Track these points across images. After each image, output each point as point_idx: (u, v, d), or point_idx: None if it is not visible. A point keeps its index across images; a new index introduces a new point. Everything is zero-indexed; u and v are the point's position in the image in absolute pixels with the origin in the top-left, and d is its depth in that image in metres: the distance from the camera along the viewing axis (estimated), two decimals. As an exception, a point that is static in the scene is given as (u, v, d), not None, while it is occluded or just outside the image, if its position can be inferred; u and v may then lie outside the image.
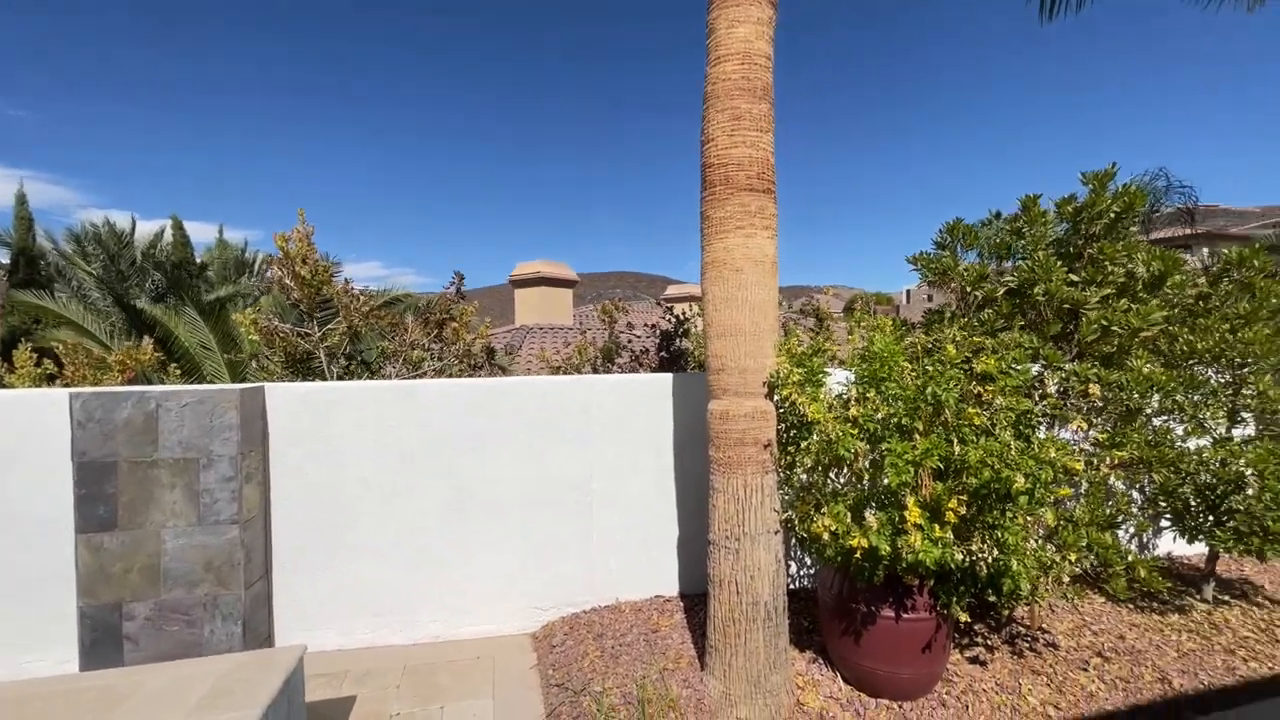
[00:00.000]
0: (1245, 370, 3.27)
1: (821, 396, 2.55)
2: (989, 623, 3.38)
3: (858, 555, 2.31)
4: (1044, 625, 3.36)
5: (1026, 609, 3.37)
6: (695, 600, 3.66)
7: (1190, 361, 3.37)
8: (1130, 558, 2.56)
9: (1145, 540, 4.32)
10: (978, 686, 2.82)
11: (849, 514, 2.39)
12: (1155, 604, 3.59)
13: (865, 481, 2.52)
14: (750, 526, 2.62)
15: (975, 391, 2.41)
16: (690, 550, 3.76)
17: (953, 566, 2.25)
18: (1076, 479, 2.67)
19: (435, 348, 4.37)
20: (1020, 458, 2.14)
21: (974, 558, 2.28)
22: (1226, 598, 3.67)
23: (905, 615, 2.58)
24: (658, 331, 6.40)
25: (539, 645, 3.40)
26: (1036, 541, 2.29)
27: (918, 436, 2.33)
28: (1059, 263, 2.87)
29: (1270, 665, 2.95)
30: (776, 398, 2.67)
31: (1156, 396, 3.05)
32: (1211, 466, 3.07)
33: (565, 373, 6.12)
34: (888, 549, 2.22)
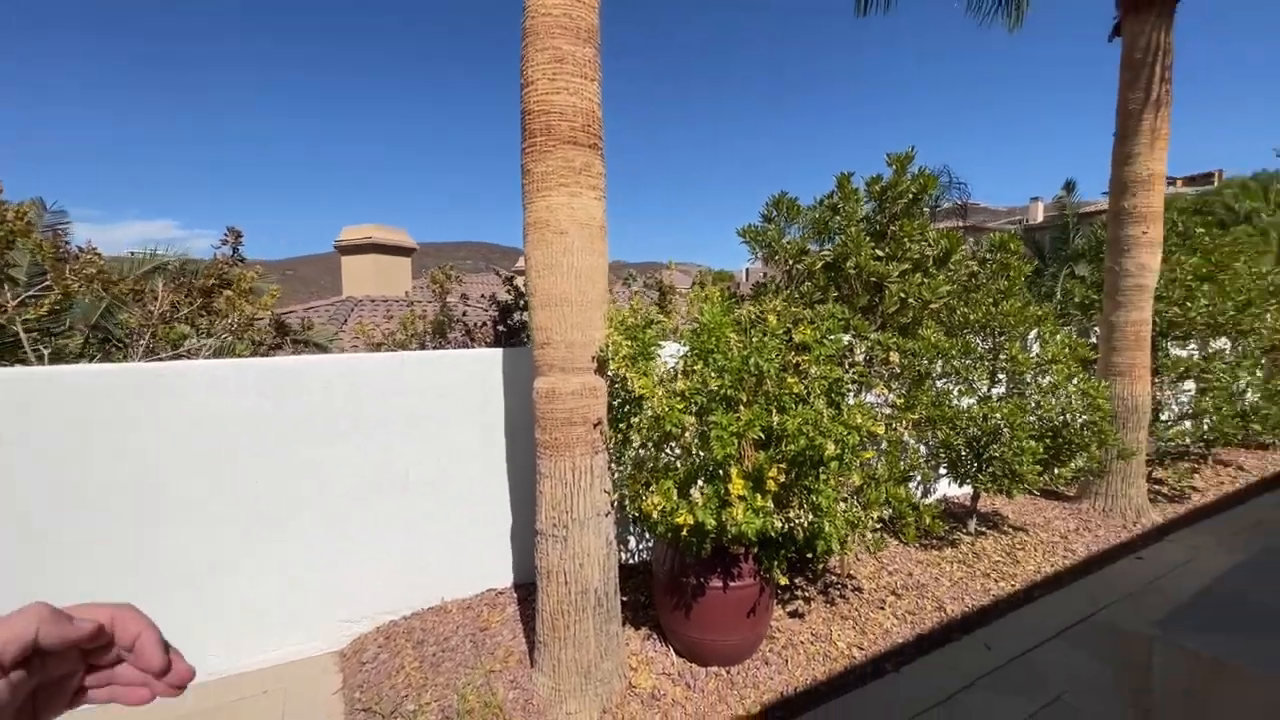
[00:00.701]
0: (1002, 338, 3.86)
1: (652, 371, 2.43)
2: (806, 575, 3.65)
3: (685, 532, 2.25)
4: (851, 572, 3.70)
5: (837, 559, 3.68)
6: (530, 589, 3.44)
7: (964, 331, 3.89)
8: (920, 508, 2.87)
9: (928, 487, 5.02)
10: (796, 639, 2.99)
11: (676, 490, 2.32)
12: (935, 541, 4.16)
13: (695, 455, 2.47)
14: (580, 511, 2.45)
15: (794, 361, 2.48)
16: (526, 537, 3.51)
17: (773, 534, 2.30)
18: (879, 441, 2.92)
19: (204, 321, 3.51)
20: (832, 425, 2.23)
21: (792, 524, 2.34)
22: (984, 529, 4.38)
23: (733, 584, 2.61)
24: (496, 304, 5.95)
25: (346, 664, 2.94)
26: (845, 502, 2.44)
27: (742, 408, 2.32)
28: (868, 239, 3.11)
29: (1012, 584, 3.56)
30: (610, 373, 2.50)
31: (940, 362, 3.47)
32: (978, 421, 3.58)
33: (389, 350, 5.43)
34: (713, 523, 2.19)
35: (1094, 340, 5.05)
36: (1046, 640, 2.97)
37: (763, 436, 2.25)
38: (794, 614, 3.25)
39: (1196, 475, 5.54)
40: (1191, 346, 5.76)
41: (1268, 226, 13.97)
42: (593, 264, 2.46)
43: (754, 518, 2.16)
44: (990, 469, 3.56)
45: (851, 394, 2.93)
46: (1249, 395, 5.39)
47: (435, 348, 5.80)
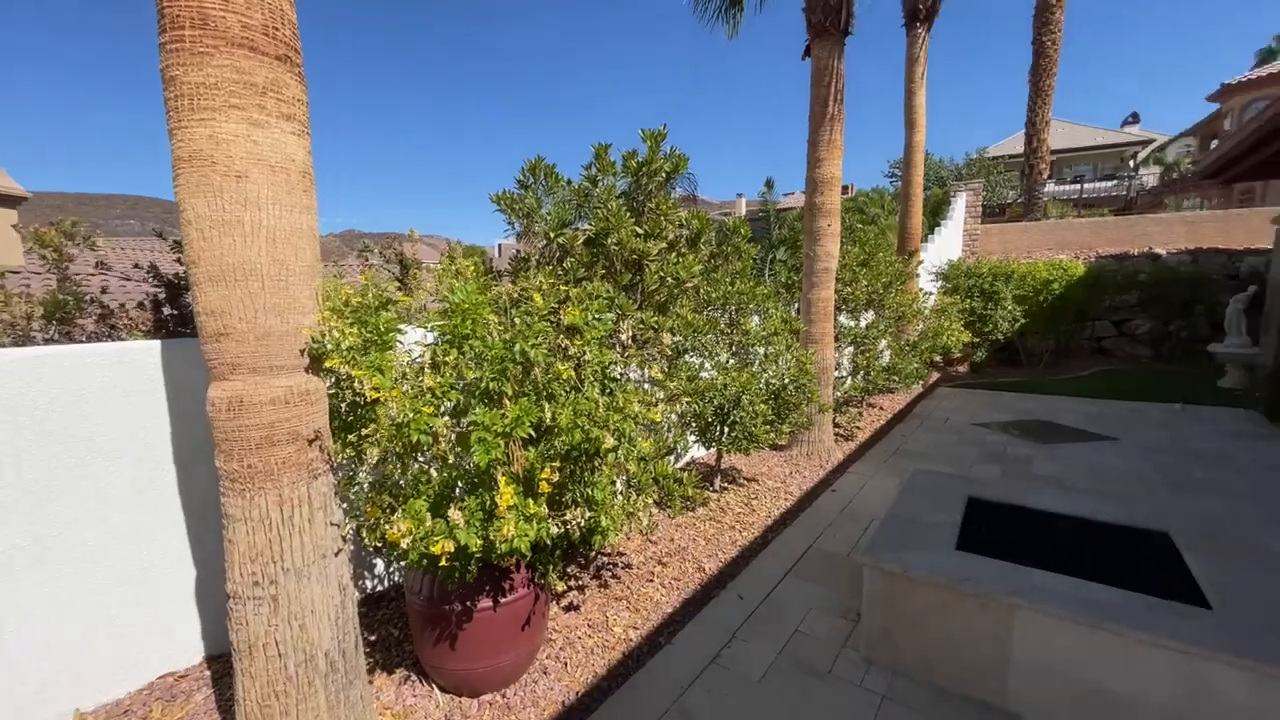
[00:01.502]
0: (738, 314, 4.30)
1: (390, 365, 1.92)
2: (579, 562, 3.56)
3: (444, 560, 1.86)
4: (621, 549, 3.74)
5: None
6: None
7: (709, 308, 4.22)
8: (683, 480, 2.98)
9: (680, 451, 5.44)
10: (574, 636, 2.85)
11: (430, 510, 1.90)
12: (702, 494, 4.51)
13: (452, 464, 2.07)
14: (295, 558, 1.83)
15: (563, 345, 2.26)
16: (219, 595, 2.63)
17: (548, 542, 2.07)
18: (652, 425, 2.94)
19: None
20: (608, 414, 2.08)
21: (569, 525, 2.14)
22: (727, 485, 4.92)
23: (505, 600, 2.31)
24: (160, 279, 4.37)
25: None
26: (620, 493, 2.35)
27: (508, 402, 2.00)
28: (629, 215, 3.08)
29: (752, 532, 4.04)
30: (330, 369, 1.90)
31: (692, 338, 3.69)
32: (722, 391, 3.93)
33: (-50, 345, 3.53)
34: (479, 543, 1.84)
35: (797, 314, 6.08)
36: (783, 578, 3.41)
37: (532, 433, 1.98)
38: (570, 607, 3.12)
39: (860, 417, 7.20)
40: (856, 317, 7.44)
41: (885, 228, 19.06)
42: (295, 223, 1.82)
43: (528, 528, 1.88)
44: (733, 433, 3.96)
45: (620, 377, 2.86)
46: (886, 355, 7.17)
47: (51, 341, 4.01)
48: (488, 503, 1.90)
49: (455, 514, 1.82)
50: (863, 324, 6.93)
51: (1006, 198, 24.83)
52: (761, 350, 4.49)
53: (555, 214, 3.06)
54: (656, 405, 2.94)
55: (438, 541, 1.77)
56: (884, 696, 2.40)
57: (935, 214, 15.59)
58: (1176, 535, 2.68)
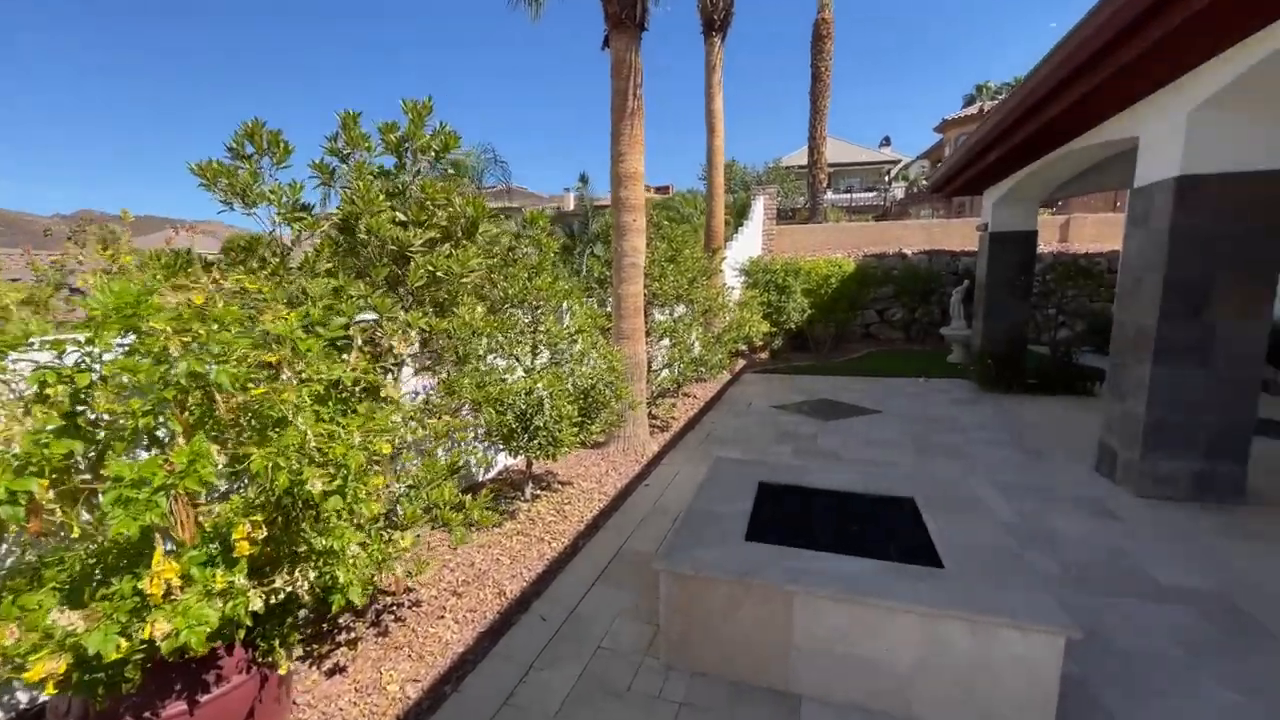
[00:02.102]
0: (539, 311, 4.03)
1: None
2: (352, 609, 3.00)
3: (54, 686, 1.28)
4: (409, 585, 3.26)
5: (392, 578, 3.16)
6: None
7: (506, 306, 3.88)
8: (466, 505, 2.62)
9: (490, 462, 5.03)
10: (334, 709, 2.35)
11: (68, 605, 1.30)
12: (497, 516, 4.15)
13: (75, 539, 1.47)
14: None
15: (271, 361, 1.75)
16: None
17: (259, 612, 1.58)
18: (411, 446, 2.51)
19: None
20: (330, 448, 1.64)
21: (294, 587, 1.67)
22: (540, 492, 4.65)
23: (207, 697, 1.75)
24: None
25: None
26: (368, 535, 1.92)
27: (180, 442, 1.47)
28: (384, 198, 2.58)
29: (562, 541, 3.82)
30: None
31: (484, 340, 3.33)
32: (523, 396, 3.63)
33: None
34: (122, 647, 1.30)
35: (610, 309, 6.02)
36: (590, 588, 3.24)
37: (215, 482, 1.48)
38: (335, 670, 2.58)
39: (675, 407, 7.45)
40: (668, 312, 7.68)
41: (697, 226, 20.37)
42: None
43: (207, 612, 1.39)
44: (537, 439, 3.69)
45: (359, 397, 2.37)
46: (697, 348, 7.51)
47: None
48: (131, 592, 1.36)
49: (69, 618, 1.25)
50: (674, 318, 7.15)
51: (798, 203, 28.33)
52: (569, 348, 4.29)
53: (283, 190, 2.44)
54: (436, 419, 2.55)
55: (39, 661, 1.20)
56: (681, 704, 2.34)
57: (741, 215, 16.97)
58: (919, 500, 3.05)
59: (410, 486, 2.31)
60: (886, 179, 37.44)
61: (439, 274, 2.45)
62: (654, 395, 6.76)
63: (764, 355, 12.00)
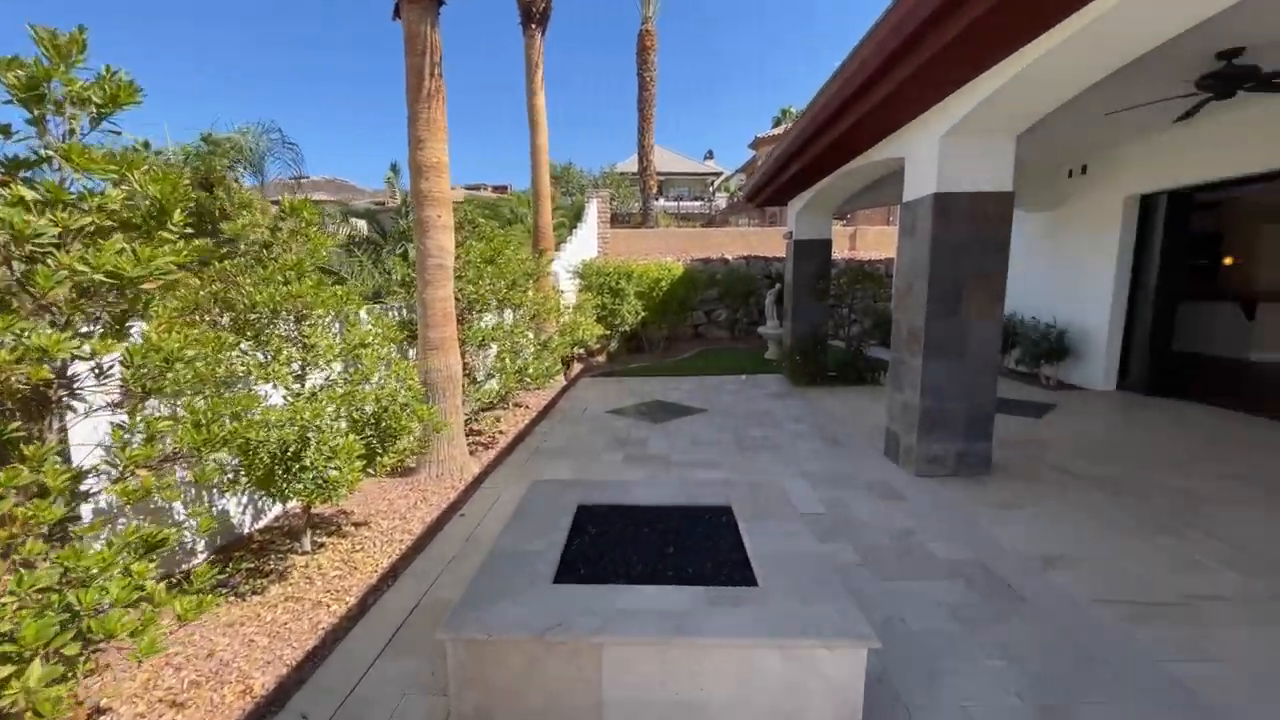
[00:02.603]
0: (306, 323, 3.28)
1: None
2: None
3: None
4: (104, 704, 2.36)
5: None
6: None
7: (254, 316, 3.08)
8: (156, 599, 1.88)
9: (259, 506, 4.06)
10: None
11: None
12: (262, 580, 3.30)
13: None
14: None
15: None
16: None
17: None
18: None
19: None
20: None
21: None
22: (325, 539, 3.84)
23: None
24: None
25: None
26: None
27: None
28: None
29: (346, 601, 3.14)
30: None
31: (200, 364, 2.52)
32: (280, 429, 2.88)
33: None
34: None
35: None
36: (375, 659, 2.65)
37: None
38: None
39: (502, 420, 6.91)
40: (492, 318, 7.09)
41: (530, 227, 19.80)
42: None
43: None
44: (296, 484, 2.96)
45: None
46: (526, 355, 7.05)
47: None
48: None
49: None
50: (497, 324, 6.61)
51: (633, 208, 29.18)
52: (349, 367, 3.58)
53: None
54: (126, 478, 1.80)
55: None
56: (476, 801, 1.92)
57: (578, 218, 16.80)
58: (736, 508, 2.99)
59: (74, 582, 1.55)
60: (711, 189, 40.40)
61: (97, 275, 1.71)
62: (476, 410, 6.16)
63: (601, 358, 11.91)
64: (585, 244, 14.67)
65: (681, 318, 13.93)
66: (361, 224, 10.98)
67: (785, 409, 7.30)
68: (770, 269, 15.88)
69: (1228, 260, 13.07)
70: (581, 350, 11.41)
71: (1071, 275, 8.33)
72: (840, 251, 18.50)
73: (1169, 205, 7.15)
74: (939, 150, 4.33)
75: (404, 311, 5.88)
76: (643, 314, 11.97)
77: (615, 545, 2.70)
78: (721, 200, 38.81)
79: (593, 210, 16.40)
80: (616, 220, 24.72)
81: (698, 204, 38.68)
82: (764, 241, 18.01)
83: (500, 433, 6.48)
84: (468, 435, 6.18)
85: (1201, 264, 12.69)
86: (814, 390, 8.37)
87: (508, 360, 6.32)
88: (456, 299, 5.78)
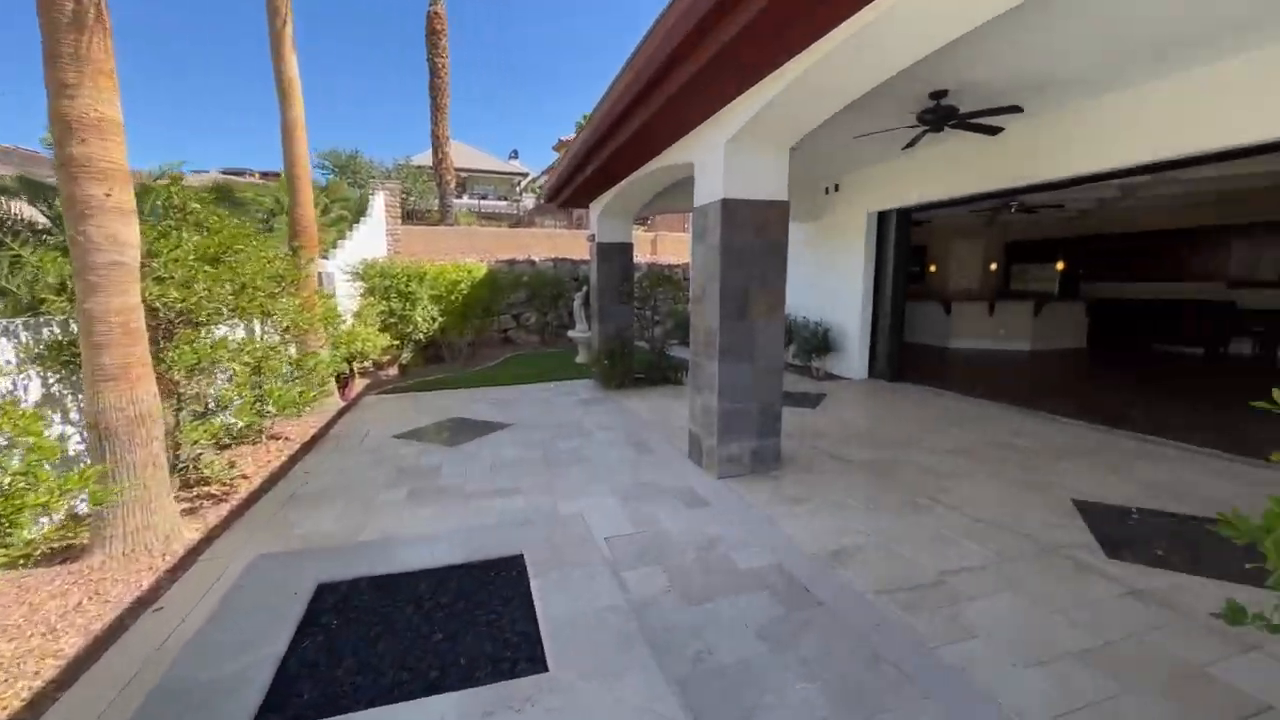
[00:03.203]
0: None
1: None
2: None
3: None
4: None
5: None
6: None
7: None
8: None
9: None
10: None
11: None
12: None
13: None
14: None
15: None
16: None
17: None
18: None
19: None
20: None
21: None
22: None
23: None
24: None
25: None
26: None
27: None
28: None
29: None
30: None
31: None
32: None
33: None
34: None
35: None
36: None
37: None
38: None
39: (248, 460, 5.46)
40: (228, 330, 5.54)
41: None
42: None
43: None
44: None
45: None
46: (279, 373, 5.66)
47: None
48: None
49: None
50: (224, 340, 5.17)
51: (433, 205, 26.85)
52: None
53: None
54: None
55: None
56: None
57: (363, 213, 14.77)
58: (529, 556, 2.52)
59: None
60: (519, 190, 39.32)
61: None
62: (184, 461, 4.72)
63: (392, 371, 10.47)
64: (370, 242, 12.89)
65: (486, 323, 13.04)
66: (25, 207, 7.98)
67: (595, 416, 7.05)
68: (579, 271, 15.76)
69: (931, 268, 16.53)
70: (369, 364, 9.88)
71: (832, 280, 9.55)
72: (643, 255, 19.20)
73: (897, 222, 8.56)
74: (724, 156, 4.38)
75: (68, 327, 4.21)
76: (440, 320, 10.83)
77: (362, 642, 2.03)
78: (530, 201, 38.05)
79: (379, 204, 14.55)
80: (414, 218, 22.49)
81: (504, 204, 37.34)
82: (573, 243, 17.88)
83: (243, 477, 5.08)
84: (193, 486, 4.75)
85: (915, 271, 15.84)
86: (623, 393, 8.30)
87: (244, 386, 4.96)
88: (157, 310, 4.33)
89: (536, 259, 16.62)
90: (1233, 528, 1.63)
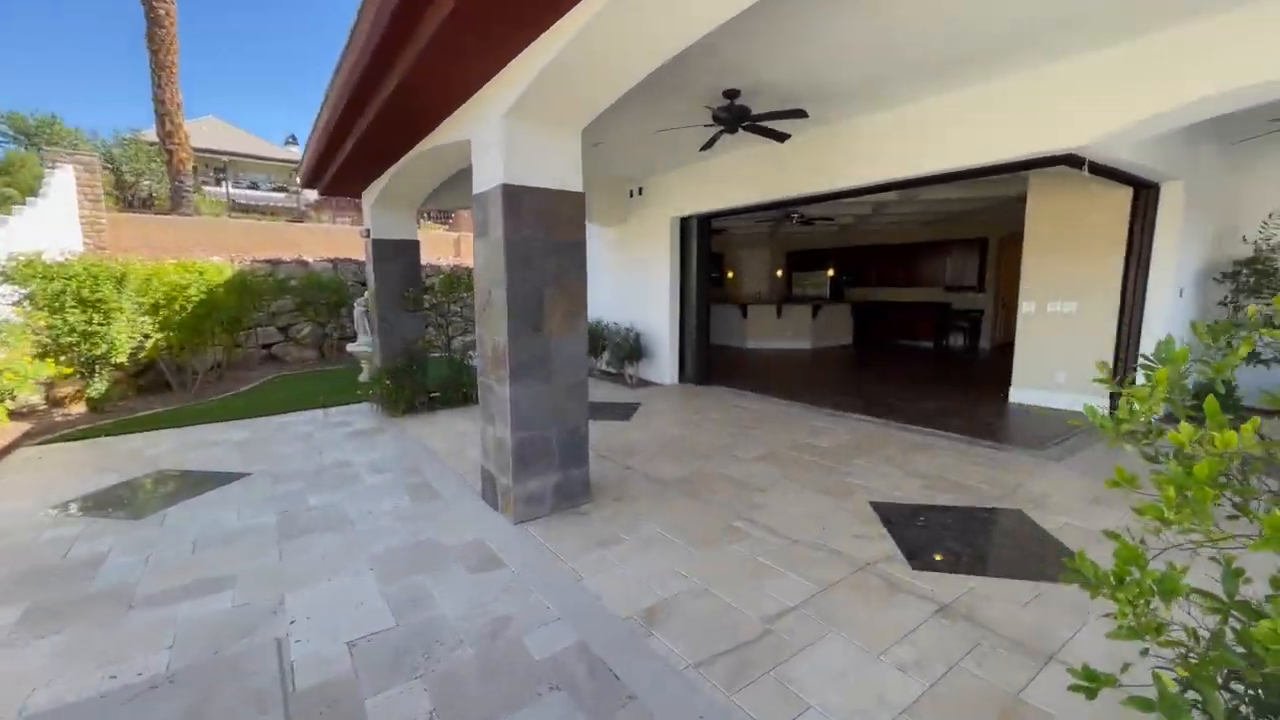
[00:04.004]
0: None
1: None
2: None
3: None
4: None
5: None
6: None
7: None
8: None
9: None
10: None
11: None
12: None
13: None
14: None
15: None
16: None
17: None
18: None
19: None
20: None
21: None
22: None
23: None
24: None
25: None
26: None
27: None
28: None
29: None
30: None
31: None
32: None
33: None
34: None
35: None
36: None
37: None
38: None
39: None
40: None
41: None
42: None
43: None
44: None
45: None
46: None
47: None
48: None
49: None
50: None
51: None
52: None
53: None
54: None
55: None
56: None
57: (31, 192, 10.87)
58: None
59: None
60: (298, 180, 33.64)
61: None
62: None
63: (78, 408, 7.61)
64: (46, 231, 9.37)
65: (233, 338, 10.41)
66: None
67: (370, 453, 5.72)
68: (364, 274, 13.62)
69: (730, 274, 17.73)
70: (34, 401, 7.00)
71: (641, 285, 9.36)
72: (447, 258, 17.47)
73: (698, 228, 8.65)
74: (504, 133, 3.59)
75: None
76: (156, 335, 8.22)
77: None
78: (313, 193, 32.83)
79: (65, 181, 10.85)
80: (147, 206, 17.55)
81: (281, 196, 31.56)
82: (357, 241, 15.48)
83: None
84: None
85: (716, 276, 16.83)
86: (412, 419, 7.01)
87: None
88: None
89: (311, 259, 14.02)
90: (1080, 575, 1.36)
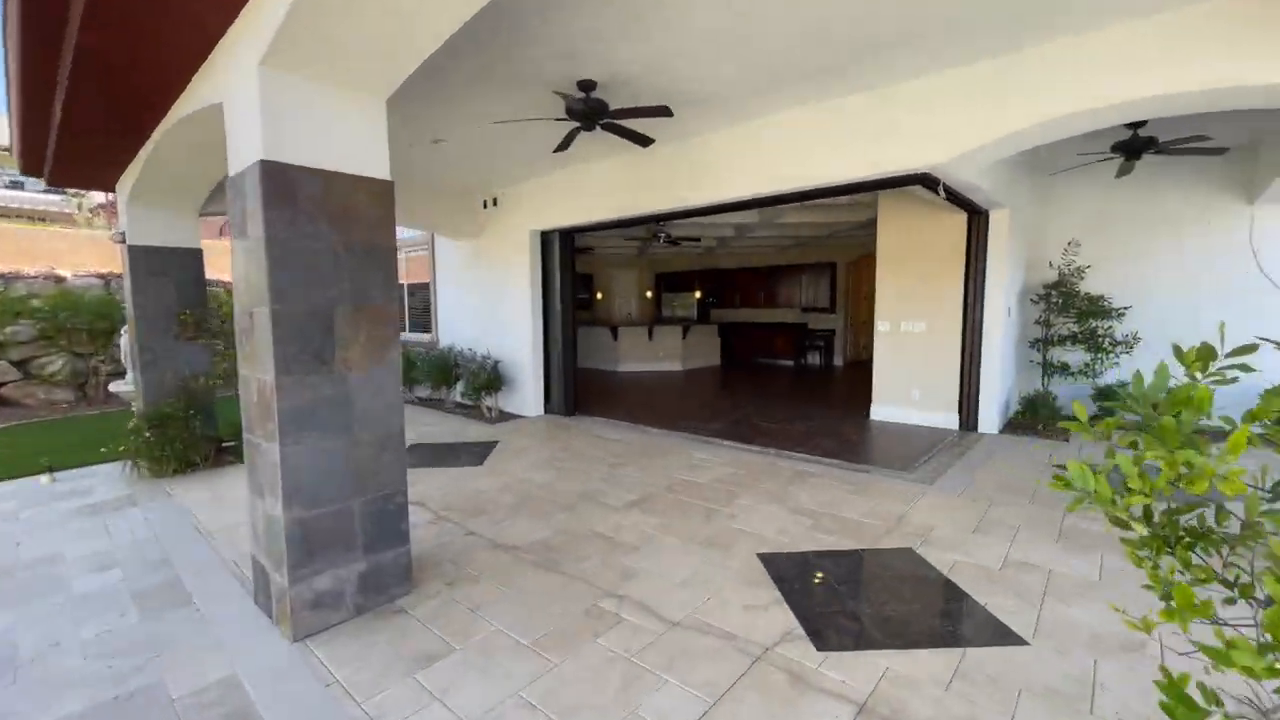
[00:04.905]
0: None
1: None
2: None
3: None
4: None
5: None
6: None
7: None
8: None
9: None
10: None
11: None
12: None
13: None
14: None
15: None
16: None
17: None
18: None
19: None
20: None
21: None
22: None
23: None
24: None
25: None
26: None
27: None
28: None
29: None
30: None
31: None
32: None
33: None
34: None
35: None
36: None
37: None
38: None
39: None
40: None
41: None
42: None
43: None
44: None
45: None
46: None
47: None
48: None
49: None
50: None
51: None
52: None
53: None
54: None
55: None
56: None
57: None
58: None
59: None
60: (16, 163, 27.20)
61: None
62: None
63: None
64: None
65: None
66: None
67: (97, 540, 4.06)
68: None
69: (599, 295, 17.20)
70: None
71: (499, 305, 8.35)
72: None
73: (561, 243, 7.89)
74: (261, 88, 2.53)
75: None
76: None
77: None
78: (101, 196, 26.95)
79: None
80: None
81: (59, 199, 25.27)
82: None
83: None
84: None
85: (584, 297, 16.20)
86: (185, 481, 5.31)
87: None
88: None
89: (68, 273, 11.02)
90: None
